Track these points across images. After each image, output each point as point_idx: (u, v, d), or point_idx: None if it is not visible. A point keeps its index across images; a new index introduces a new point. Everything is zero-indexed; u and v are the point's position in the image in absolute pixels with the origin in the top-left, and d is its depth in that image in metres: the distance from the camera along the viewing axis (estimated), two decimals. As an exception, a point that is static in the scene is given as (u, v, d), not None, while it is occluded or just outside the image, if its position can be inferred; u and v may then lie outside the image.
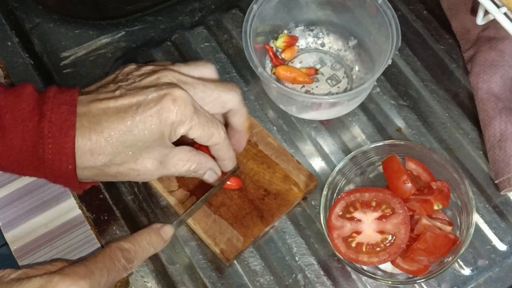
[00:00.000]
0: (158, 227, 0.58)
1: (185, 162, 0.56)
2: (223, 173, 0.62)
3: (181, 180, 0.65)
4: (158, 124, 0.52)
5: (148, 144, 0.53)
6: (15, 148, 0.51)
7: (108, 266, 0.51)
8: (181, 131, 0.53)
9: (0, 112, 0.50)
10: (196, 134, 0.54)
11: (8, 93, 0.51)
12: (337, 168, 0.62)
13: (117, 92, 0.53)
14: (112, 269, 0.52)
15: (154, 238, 0.56)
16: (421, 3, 0.78)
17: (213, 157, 0.60)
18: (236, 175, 0.64)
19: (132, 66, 0.56)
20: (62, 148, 0.50)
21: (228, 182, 0.63)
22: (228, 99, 0.57)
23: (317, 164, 0.68)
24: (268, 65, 0.73)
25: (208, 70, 0.58)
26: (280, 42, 0.73)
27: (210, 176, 0.61)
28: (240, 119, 0.59)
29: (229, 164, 0.61)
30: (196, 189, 0.64)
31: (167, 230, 0.58)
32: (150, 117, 0.51)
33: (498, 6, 0.62)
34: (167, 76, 0.54)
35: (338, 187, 0.63)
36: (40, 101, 0.51)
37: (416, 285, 0.62)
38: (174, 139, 0.54)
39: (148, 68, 0.56)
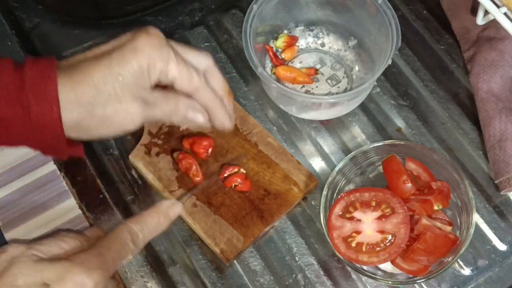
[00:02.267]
0: (167, 206, 0.56)
1: (164, 99, 0.56)
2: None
3: (181, 180, 0.65)
4: (134, 57, 0.52)
5: (128, 80, 0.53)
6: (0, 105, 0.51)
7: (119, 251, 0.52)
8: (158, 68, 0.54)
9: None
10: (174, 71, 0.54)
11: None
12: (337, 168, 0.62)
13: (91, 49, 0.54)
14: (122, 253, 0.52)
15: (162, 219, 0.56)
16: (421, 3, 0.78)
17: None
18: (246, 177, 0.64)
19: None
20: (45, 91, 0.50)
21: (238, 183, 0.63)
22: (201, 59, 0.57)
23: (317, 164, 0.68)
24: (268, 65, 0.73)
25: (206, 60, 0.58)
26: (280, 42, 0.73)
27: (195, 114, 0.58)
28: (218, 81, 0.59)
29: (220, 114, 0.58)
30: (194, 188, 0.64)
31: (176, 209, 0.57)
32: (126, 52, 0.52)
33: (498, 6, 0.62)
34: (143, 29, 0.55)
35: (338, 187, 0.63)
36: (19, 64, 0.52)
37: (416, 285, 0.62)
38: (154, 78, 0.54)
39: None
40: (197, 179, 0.64)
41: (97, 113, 0.53)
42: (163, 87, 0.56)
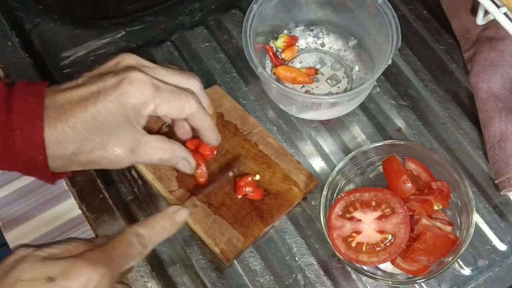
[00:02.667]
0: (174, 211, 0.57)
1: (158, 151, 0.56)
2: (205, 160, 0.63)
3: (181, 180, 0.65)
4: (119, 108, 0.52)
5: (114, 129, 0.53)
6: None
7: (125, 251, 0.52)
8: (146, 112, 0.53)
9: None
10: (163, 111, 0.54)
11: None
12: (337, 168, 0.62)
13: (79, 81, 0.54)
14: (128, 254, 0.52)
15: (168, 223, 0.56)
16: (421, 3, 0.78)
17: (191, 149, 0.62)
18: (258, 186, 0.64)
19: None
20: (31, 139, 0.51)
21: (250, 192, 0.63)
22: (189, 84, 0.57)
23: (317, 164, 0.68)
24: (268, 65, 0.73)
25: (191, 84, 0.58)
26: (280, 42, 0.73)
27: (184, 166, 0.60)
28: (206, 105, 0.59)
29: (211, 134, 0.60)
30: (196, 189, 0.64)
31: (182, 215, 0.58)
32: (110, 102, 0.52)
33: (498, 6, 0.62)
34: (126, 60, 0.55)
35: (338, 187, 0.63)
36: (9, 95, 0.52)
37: (416, 285, 0.62)
38: (143, 122, 0.54)
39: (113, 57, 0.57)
40: (202, 180, 0.64)
41: (81, 159, 0.54)
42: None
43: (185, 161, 0.60)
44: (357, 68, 0.73)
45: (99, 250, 0.51)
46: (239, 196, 0.64)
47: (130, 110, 0.52)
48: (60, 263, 0.49)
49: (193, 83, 0.57)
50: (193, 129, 0.60)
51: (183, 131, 0.61)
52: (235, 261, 0.63)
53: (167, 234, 0.56)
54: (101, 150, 0.53)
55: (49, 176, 0.54)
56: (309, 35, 0.75)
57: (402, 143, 0.64)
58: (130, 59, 0.55)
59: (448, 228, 0.60)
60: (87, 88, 0.52)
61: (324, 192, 0.61)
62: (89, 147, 0.53)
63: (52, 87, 0.54)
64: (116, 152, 0.54)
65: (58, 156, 0.52)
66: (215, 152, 0.64)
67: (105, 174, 0.66)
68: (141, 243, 0.53)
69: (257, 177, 0.65)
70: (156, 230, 0.55)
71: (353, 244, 0.58)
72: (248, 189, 0.63)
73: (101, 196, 0.65)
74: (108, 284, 0.49)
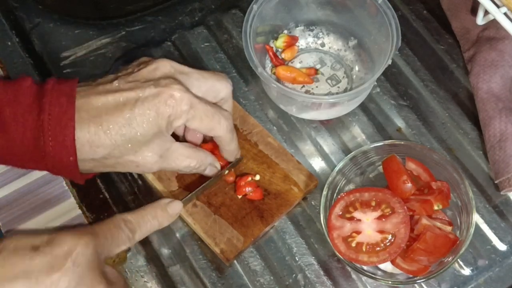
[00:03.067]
0: (166, 202, 0.58)
1: (186, 158, 0.58)
2: (225, 163, 0.64)
3: (181, 180, 0.65)
4: (155, 118, 0.53)
5: (147, 138, 0.53)
6: (16, 142, 0.51)
7: (112, 231, 0.53)
8: (177, 124, 0.55)
9: (0, 107, 0.51)
10: (194, 126, 0.56)
11: (7, 87, 0.52)
12: (337, 168, 0.62)
13: (115, 84, 0.53)
14: (116, 236, 0.53)
15: (160, 213, 0.57)
16: (421, 3, 0.78)
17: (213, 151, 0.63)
18: (258, 186, 0.64)
19: (133, 63, 0.57)
20: (63, 140, 0.51)
21: (249, 192, 0.63)
22: (221, 88, 0.59)
23: (317, 164, 0.68)
24: (268, 65, 0.73)
25: (223, 87, 0.59)
26: (280, 42, 0.73)
27: (211, 171, 0.62)
28: (228, 109, 0.61)
29: (229, 155, 0.62)
30: (194, 188, 0.64)
31: (175, 206, 0.59)
32: (148, 110, 0.52)
33: (498, 6, 0.62)
34: (165, 67, 0.55)
35: (338, 187, 0.63)
36: (39, 94, 0.52)
37: (416, 285, 0.62)
38: (171, 131, 0.55)
39: (146, 58, 0.57)
40: (232, 179, 0.64)
41: (110, 163, 0.54)
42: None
43: (212, 166, 0.61)
44: (357, 68, 0.73)
45: (85, 226, 0.53)
46: (239, 196, 0.64)
47: (164, 120, 0.53)
48: (45, 234, 0.49)
49: (225, 87, 0.59)
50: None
51: (193, 138, 0.63)
52: (235, 261, 0.63)
53: (158, 224, 0.57)
54: (131, 155, 0.54)
55: (78, 176, 0.55)
56: (309, 35, 0.75)
57: (402, 143, 0.64)
58: (168, 66, 0.55)
59: (448, 228, 0.60)
60: (124, 94, 0.53)
61: (324, 192, 0.61)
62: (119, 152, 0.53)
63: (84, 86, 0.54)
64: (146, 158, 0.55)
65: (88, 159, 0.53)
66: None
67: (105, 174, 0.66)
68: (128, 227, 0.54)
69: (257, 177, 0.65)
70: (145, 218, 0.56)
71: (353, 244, 0.58)
72: (248, 189, 0.63)
73: (101, 196, 0.65)
74: (92, 255, 0.49)
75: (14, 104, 0.51)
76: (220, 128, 0.57)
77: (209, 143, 0.64)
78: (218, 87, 0.58)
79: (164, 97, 0.53)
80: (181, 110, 0.54)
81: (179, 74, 0.55)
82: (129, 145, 0.53)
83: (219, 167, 0.63)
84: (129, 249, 0.57)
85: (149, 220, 0.56)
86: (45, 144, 0.51)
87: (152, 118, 0.53)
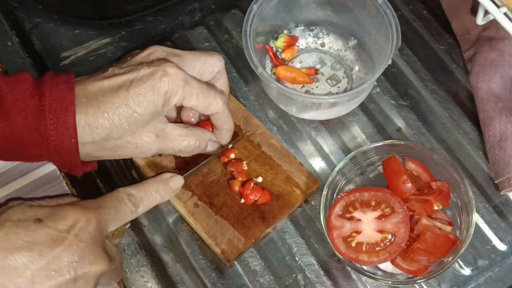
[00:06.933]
0: (167, 177, 0.59)
1: (184, 137, 0.59)
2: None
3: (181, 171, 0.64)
4: (151, 96, 0.54)
5: (144, 117, 0.55)
6: (18, 127, 0.52)
7: (115, 205, 0.54)
8: (174, 101, 0.56)
9: (1, 93, 0.52)
10: (191, 103, 0.57)
11: (8, 77, 0.54)
12: (337, 168, 0.62)
13: (110, 71, 0.56)
14: (119, 209, 0.54)
15: (162, 187, 0.58)
16: (421, 3, 0.78)
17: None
18: (263, 188, 0.64)
19: (126, 55, 0.60)
20: (64, 122, 0.52)
21: (258, 197, 0.63)
22: (214, 62, 0.60)
23: (317, 164, 0.68)
24: (268, 65, 0.73)
25: (216, 61, 0.61)
26: (280, 42, 0.73)
27: (212, 146, 0.62)
28: (225, 83, 0.63)
29: (226, 135, 0.63)
30: (196, 188, 0.64)
31: (176, 180, 0.60)
32: (143, 89, 0.54)
33: (498, 6, 0.62)
34: (158, 51, 0.58)
35: (338, 187, 0.63)
36: (39, 83, 0.54)
37: (416, 285, 0.62)
38: (167, 109, 0.56)
39: (139, 50, 0.59)
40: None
41: (110, 145, 0.56)
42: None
43: (212, 142, 0.62)
44: (357, 68, 0.73)
45: (88, 200, 0.53)
46: (228, 189, 0.64)
47: (161, 98, 0.54)
48: (49, 207, 0.50)
49: (218, 60, 0.61)
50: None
51: (188, 119, 0.63)
52: (235, 261, 0.63)
53: (160, 198, 0.58)
54: (129, 136, 0.55)
55: (78, 162, 0.55)
56: (309, 35, 0.75)
57: (402, 143, 0.64)
58: (160, 51, 0.58)
59: (448, 228, 0.61)
60: (120, 77, 0.54)
61: (324, 192, 0.61)
62: (118, 133, 0.54)
63: (80, 78, 0.56)
64: (144, 138, 0.56)
65: (88, 142, 0.54)
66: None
67: (105, 174, 0.67)
68: (131, 201, 0.55)
69: (259, 179, 0.64)
70: (147, 192, 0.57)
71: (353, 244, 0.58)
72: (255, 196, 0.63)
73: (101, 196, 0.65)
74: (95, 230, 0.50)
75: (16, 91, 0.53)
76: (217, 104, 0.58)
77: (203, 125, 0.64)
78: (211, 62, 0.60)
79: (158, 74, 0.54)
80: (176, 85, 0.55)
81: (172, 57, 0.57)
82: (127, 126, 0.54)
83: (220, 141, 0.63)
84: (128, 223, 0.57)
85: (152, 194, 0.57)
86: (46, 127, 0.52)
87: (148, 96, 0.54)
